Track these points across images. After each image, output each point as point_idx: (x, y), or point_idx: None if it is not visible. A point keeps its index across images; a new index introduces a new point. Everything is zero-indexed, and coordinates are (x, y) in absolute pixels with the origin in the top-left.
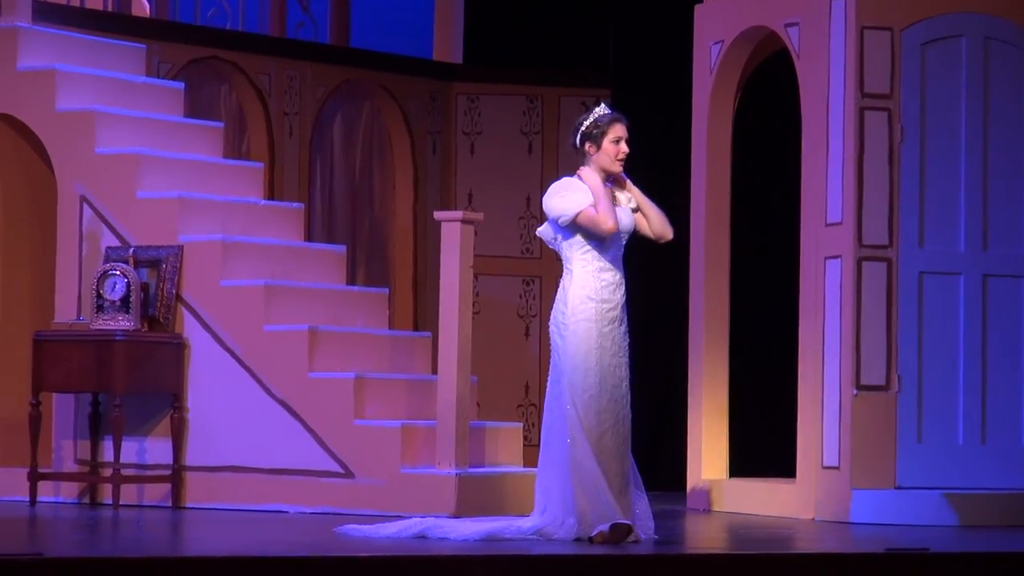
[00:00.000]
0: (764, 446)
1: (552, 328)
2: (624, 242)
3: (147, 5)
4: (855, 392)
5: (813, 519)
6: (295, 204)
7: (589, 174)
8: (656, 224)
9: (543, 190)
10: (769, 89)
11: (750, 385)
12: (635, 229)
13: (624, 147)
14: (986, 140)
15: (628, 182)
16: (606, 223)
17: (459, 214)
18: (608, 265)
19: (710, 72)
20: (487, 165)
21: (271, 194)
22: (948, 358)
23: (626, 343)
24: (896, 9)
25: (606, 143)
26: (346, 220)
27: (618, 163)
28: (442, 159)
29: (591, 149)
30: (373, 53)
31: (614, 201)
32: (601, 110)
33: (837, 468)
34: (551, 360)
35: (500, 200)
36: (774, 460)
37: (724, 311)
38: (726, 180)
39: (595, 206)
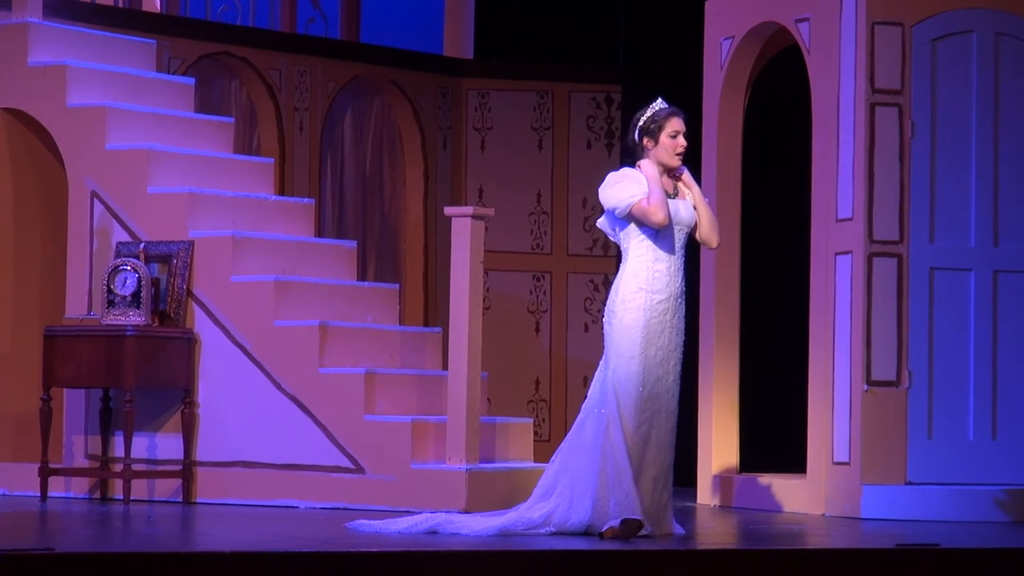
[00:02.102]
0: (775, 441)
1: (604, 317)
2: (684, 235)
3: (158, 1)
4: (865, 388)
5: (823, 515)
6: (305, 200)
7: (647, 164)
8: (703, 227)
9: (553, 186)
10: (779, 85)
11: (760, 380)
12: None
13: (682, 141)
14: (997, 135)
15: (687, 177)
16: (656, 215)
17: (469, 210)
18: (663, 255)
19: (720, 68)
20: (497, 161)
21: (281, 190)
22: (959, 354)
23: (680, 338)
24: (906, 4)
25: (663, 137)
26: (356, 216)
27: (676, 157)
28: (452, 155)
29: (649, 144)
30: (383, 49)
31: (675, 193)
32: (658, 104)
33: (847, 464)
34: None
35: (510, 196)
36: (785, 456)
37: (734, 306)
38: (736, 176)
39: (647, 197)
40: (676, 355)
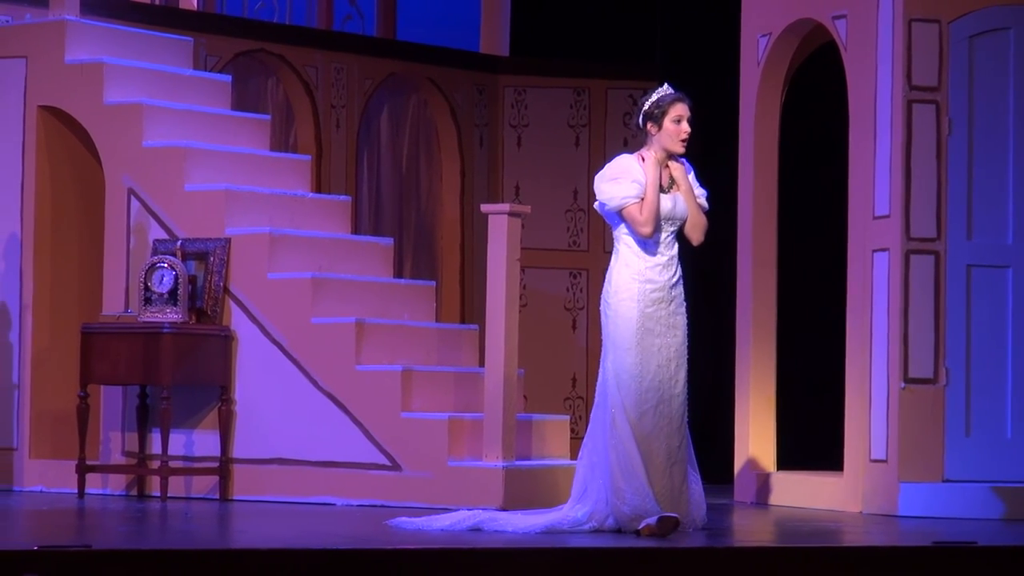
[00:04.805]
0: (811, 439)
1: (600, 308)
2: (676, 228)
3: None
4: (903, 385)
5: (860, 512)
6: (342, 197)
7: (651, 164)
8: (687, 223)
9: (590, 183)
10: (816, 82)
11: (797, 378)
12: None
13: (686, 127)
14: None
15: (679, 173)
16: (644, 227)
17: (506, 207)
18: (656, 246)
19: (757, 64)
20: (534, 158)
21: (318, 187)
22: (996, 351)
23: (679, 323)
24: (944, 1)
25: (667, 123)
26: (393, 213)
27: (680, 143)
28: (489, 152)
29: (653, 129)
30: (420, 46)
31: (670, 187)
32: (664, 90)
33: (885, 461)
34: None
35: (547, 193)
36: (821, 453)
37: (771, 304)
38: (773, 173)
39: (641, 206)
40: (676, 342)
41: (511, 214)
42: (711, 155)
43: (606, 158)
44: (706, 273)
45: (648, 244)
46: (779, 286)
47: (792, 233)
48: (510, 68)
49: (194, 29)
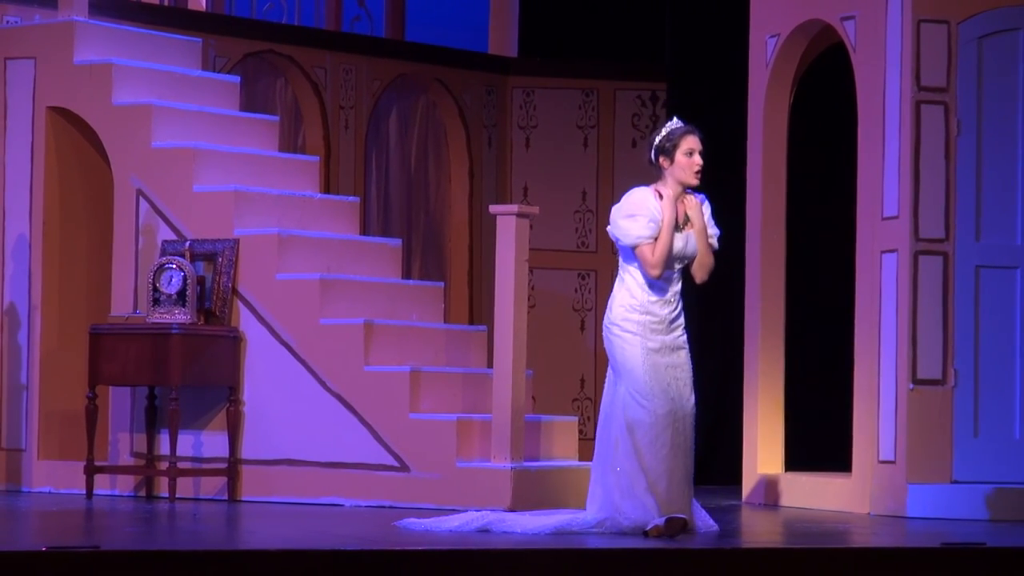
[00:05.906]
0: (820, 440)
1: (603, 333)
2: (683, 265)
3: None
4: (911, 386)
5: (869, 513)
6: (351, 198)
7: (667, 205)
8: (696, 262)
9: (599, 184)
10: (825, 83)
11: (806, 379)
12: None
13: (698, 159)
14: None
15: (695, 212)
16: (654, 269)
17: (514, 208)
18: (660, 282)
19: (766, 65)
20: (542, 159)
21: (327, 188)
22: (1005, 352)
23: (682, 344)
24: (953, 2)
25: (679, 156)
26: (401, 214)
27: (694, 175)
28: (497, 153)
29: (665, 163)
30: (428, 47)
31: (684, 224)
32: (673, 123)
33: (893, 462)
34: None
35: (555, 194)
36: (830, 454)
37: (780, 305)
38: (782, 174)
39: (655, 247)
40: (682, 361)
41: (519, 215)
42: (719, 157)
43: (614, 159)
44: (714, 274)
45: (653, 279)
46: (787, 287)
47: (801, 234)
48: (519, 69)
49: (203, 30)
